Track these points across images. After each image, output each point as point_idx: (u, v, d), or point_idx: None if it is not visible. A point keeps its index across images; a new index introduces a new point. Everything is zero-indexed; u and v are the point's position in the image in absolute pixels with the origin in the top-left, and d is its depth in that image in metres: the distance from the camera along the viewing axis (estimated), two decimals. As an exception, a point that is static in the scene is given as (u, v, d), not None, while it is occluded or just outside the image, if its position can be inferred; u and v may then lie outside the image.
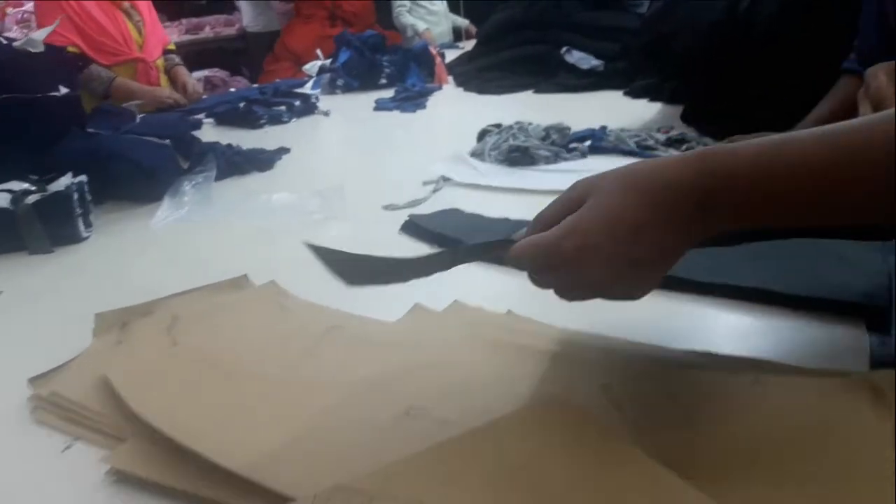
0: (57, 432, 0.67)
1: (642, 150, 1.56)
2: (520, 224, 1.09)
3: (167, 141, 1.40)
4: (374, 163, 1.70)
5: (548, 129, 1.56)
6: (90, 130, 1.43)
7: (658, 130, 1.67)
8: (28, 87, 1.34)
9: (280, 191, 1.37)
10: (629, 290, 0.52)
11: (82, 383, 0.71)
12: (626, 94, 2.24)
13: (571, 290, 0.54)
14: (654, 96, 2.13)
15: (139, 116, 1.82)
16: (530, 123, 1.59)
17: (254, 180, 1.55)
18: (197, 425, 0.60)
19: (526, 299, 0.76)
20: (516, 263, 0.56)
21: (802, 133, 0.47)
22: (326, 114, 2.26)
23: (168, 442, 0.59)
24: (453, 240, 1.05)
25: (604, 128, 1.65)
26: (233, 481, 0.55)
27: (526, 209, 1.16)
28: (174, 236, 1.22)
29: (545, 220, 0.54)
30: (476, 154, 1.51)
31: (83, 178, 1.22)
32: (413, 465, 0.52)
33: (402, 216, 1.20)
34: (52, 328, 0.89)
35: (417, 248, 1.09)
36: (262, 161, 1.60)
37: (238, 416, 0.63)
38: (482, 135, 1.61)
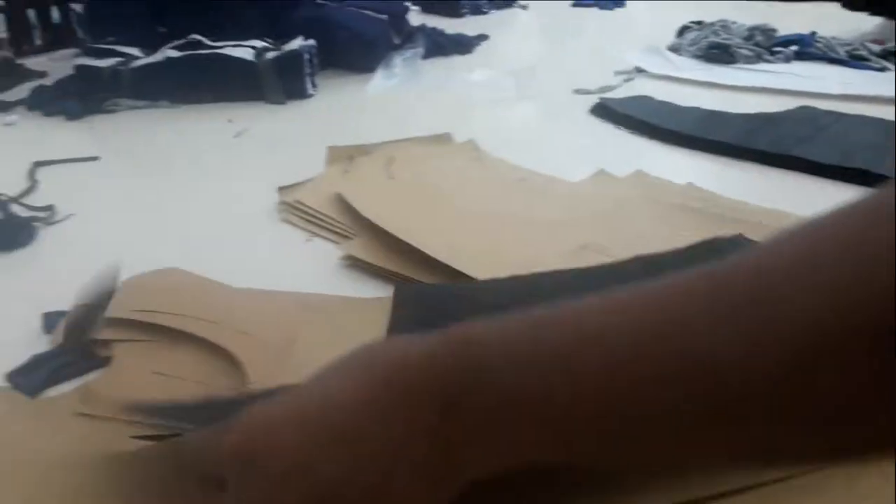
0: (299, 230, 0.83)
1: (853, 59, 1.49)
2: (715, 119, 1.12)
3: (384, 16, 1.53)
4: (568, 52, 1.75)
5: (752, 30, 1.53)
6: (317, 1, 1.59)
7: (873, 41, 1.58)
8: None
9: (474, 71, 1.47)
10: None
11: (319, 196, 0.87)
12: (844, 5, 2.09)
13: None
14: (875, 10, 1.98)
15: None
16: (734, 22, 1.56)
17: (454, 61, 1.65)
18: (412, 228, 0.73)
19: (707, 177, 0.82)
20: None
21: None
22: (524, 7, 2.31)
23: (389, 238, 0.72)
24: (642, 122, 1.11)
25: (813, 34, 1.59)
26: (438, 268, 0.67)
27: (719, 104, 1.19)
28: (386, 101, 1.37)
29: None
30: (673, 48, 1.51)
31: (312, 41, 1.39)
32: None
33: (591, 100, 1.27)
34: (289, 157, 1.07)
35: (606, 129, 1.15)
36: (463, 44, 1.70)
37: (442, 227, 0.75)
38: (682, 31, 1.61)
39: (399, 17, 1.61)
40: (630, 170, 0.93)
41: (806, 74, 1.40)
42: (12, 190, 0.96)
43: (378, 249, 0.73)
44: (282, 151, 1.11)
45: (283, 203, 0.88)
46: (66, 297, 0.68)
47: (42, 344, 0.62)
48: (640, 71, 1.43)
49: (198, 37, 1.37)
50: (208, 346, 0.57)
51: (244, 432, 0.27)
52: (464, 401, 0.25)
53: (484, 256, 0.69)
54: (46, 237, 0.84)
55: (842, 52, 1.50)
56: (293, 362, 0.53)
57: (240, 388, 0.51)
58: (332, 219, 0.82)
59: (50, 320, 0.65)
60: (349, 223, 0.80)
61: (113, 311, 0.62)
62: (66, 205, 0.91)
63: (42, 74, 1.64)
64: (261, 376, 0.51)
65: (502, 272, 0.65)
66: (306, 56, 1.34)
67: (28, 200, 0.94)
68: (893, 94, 1.18)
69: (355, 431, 0.26)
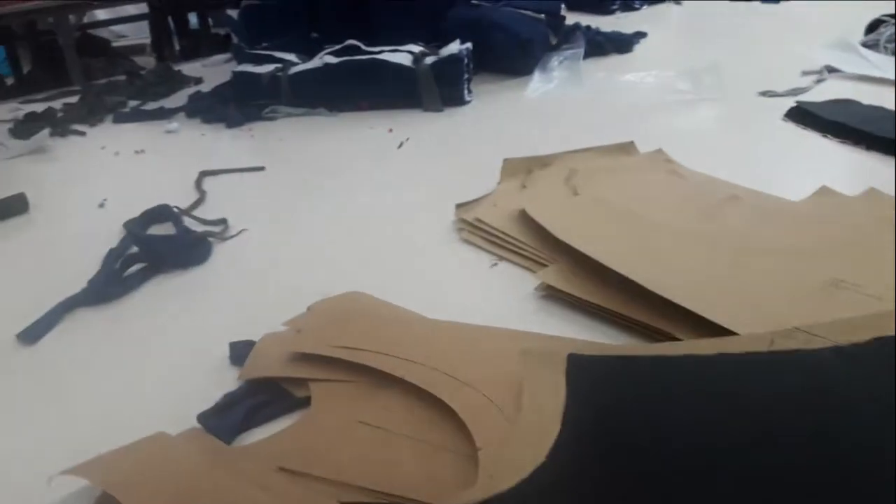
0: (483, 252, 0.76)
1: None
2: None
3: (542, 16, 1.45)
4: (742, 50, 1.60)
5: (965, 22, 1.34)
6: (473, 2, 1.52)
7: None
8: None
9: (640, 72, 1.36)
10: None
11: (500, 214, 0.80)
12: None
13: None
14: None
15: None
16: (943, 13, 1.37)
17: (614, 61, 1.55)
18: (615, 253, 0.64)
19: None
20: None
21: None
22: (678, 2, 2.16)
23: (592, 265, 0.64)
24: (853, 129, 0.97)
25: None
26: (652, 301, 0.58)
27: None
28: (547, 106, 1.28)
29: None
30: (868, 45, 1.34)
31: (469, 45, 1.32)
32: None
33: (781, 103, 1.13)
34: (455, 169, 1.01)
35: (805, 135, 1.02)
36: (622, 42, 1.59)
37: (651, 253, 0.66)
38: (874, 25, 1.43)
39: (556, 16, 1.52)
40: (847, 184, 0.80)
41: None
42: (181, 200, 0.95)
43: (578, 278, 0.65)
44: (446, 162, 1.05)
45: (463, 221, 0.81)
46: (248, 324, 0.64)
47: (229, 376, 0.58)
48: (831, 70, 1.28)
49: (355, 42, 1.33)
50: (418, 392, 0.50)
51: None
52: None
53: (711, 290, 0.59)
54: (221, 253, 0.82)
55: None
56: (522, 424, 0.45)
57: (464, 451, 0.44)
58: (519, 241, 0.74)
59: (237, 351, 0.60)
60: (538, 245, 0.73)
61: (307, 344, 0.57)
62: (237, 218, 0.89)
63: (198, 81, 1.67)
64: (485, 440, 0.44)
65: (742, 311, 0.55)
66: (465, 59, 1.28)
67: (198, 212, 0.92)
68: None
69: None
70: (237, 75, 1.35)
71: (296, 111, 1.31)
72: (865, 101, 1.10)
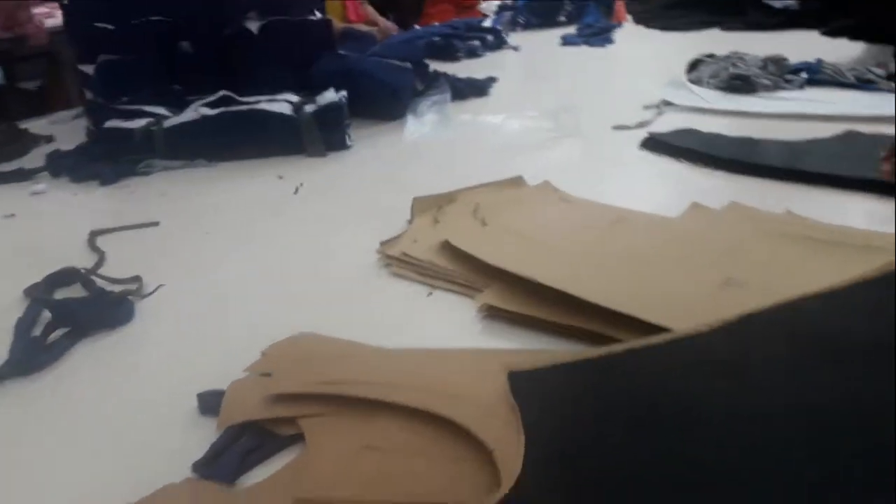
0: (415, 283, 0.80)
1: (862, 83, 1.55)
2: (761, 145, 1.15)
3: (408, 64, 1.53)
4: (585, 89, 1.77)
5: (765, 60, 1.58)
6: (340, 52, 1.58)
7: (876, 65, 1.64)
8: (291, 11, 1.50)
9: (500, 113, 1.48)
10: None
11: (422, 248, 0.85)
12: (825, 33, 2.18)
13: None
14: (854, 35, 2.07)
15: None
16: (746, 54, 1.61)
17: (474, 104, 1.66)
18: (542, 271, 0.71)
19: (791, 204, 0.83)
20: None
21: None
22: (516, 48, 2.34)
23: (522, 285, 0.71)
24: (701, 154, 1.12)
25: (819, 60, 1.64)
26: (588, 311, 0.65)
27: (752, 132, 1.22)
28: (425, 148, 1.35)
29: None
30: (694, 81, 1.55)
31: (344, 93, 1.37)
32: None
33: (633, 135, 1.28)
34: (358, 210, 1.05)
35: (661, 161, 1.16)
36: (479, 87, 1.71)
37: (570, 268, 0.74)
38: (695, 64, 1.65)
39: (420, 63, 1.61)
40: (708, 200, 0.93)
41: (825, 99, 1.45)
42: (76, 262, 0.90)
43: (514, 297, 0.71)
44: (346, 205, 1.09)
45: (389, 257, 0.85)
46: (200, 376, 0.64)
47: (204, 426, 0.58)
48: (667, 104, 1.46)
49: (228, 93, 1.34)
50: (410, 414, 0.53)
51: None
52: None
53: (637, 295, 0.67)
54: (144, 311, 0.80)
55: (850, 77, 1.56)
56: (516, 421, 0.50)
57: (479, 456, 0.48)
58: (449, 270, 0.80)
59: (206, 401, 0.60)
60: (467, 272, 0.78)
61: (284, 385, 0.59)
62: (148, 275, 0.86)
63: (49, 139, 1.58)
64: (494, 442, 0.48)
65: (663, 311, 0.64)
66: (344, 107, 1.33)
67: (104, 273, 0.89)
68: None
69: None
70: (107, 131, 1.31)
71: (173, 164, 1.29)
72: (703, 129, 1.27)
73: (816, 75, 1.59)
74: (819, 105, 1.39)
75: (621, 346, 0.58)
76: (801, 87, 1.56)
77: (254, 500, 0.48)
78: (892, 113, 1.30)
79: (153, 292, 0.83)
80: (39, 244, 1.03)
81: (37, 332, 0.75)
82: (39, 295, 0.81)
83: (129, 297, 0.81)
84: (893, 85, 1.53)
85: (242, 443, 0.55)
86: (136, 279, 0.85)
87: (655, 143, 1.22)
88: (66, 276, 0.85)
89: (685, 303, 0.67)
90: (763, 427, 0.46)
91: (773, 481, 0.41)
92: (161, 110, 1.34)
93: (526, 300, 0.71)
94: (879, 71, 1.59)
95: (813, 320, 0.58)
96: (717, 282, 0.70)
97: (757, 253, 0.78)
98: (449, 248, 0.82)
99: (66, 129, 1.65)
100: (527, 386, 0.53)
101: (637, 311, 0.64)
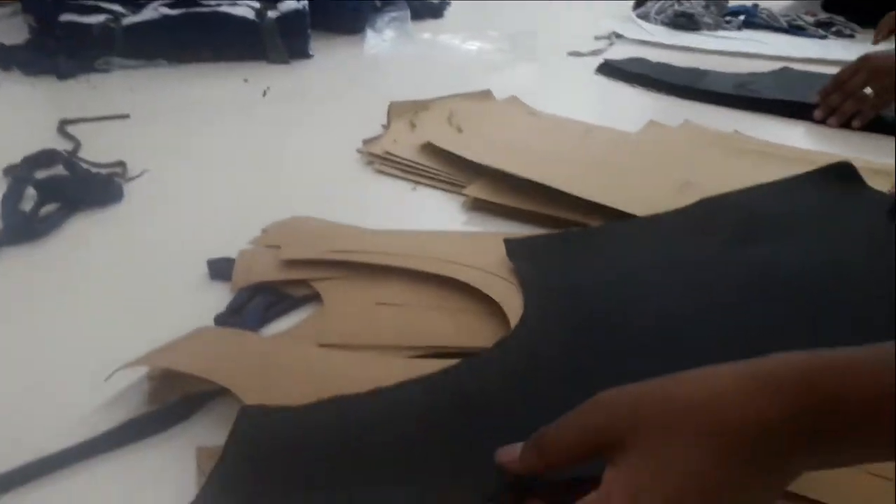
0: (399, 180, 0.85)
1: (793, 28, 1.66)
2: (708, 75, 1.24)
3: (368, -22, 1.53)
4: (538, 18, 1.81)
5: (707, 1, 1.66)
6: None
7: (805, 13, 1.76)
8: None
9: (458, 34, 1.51)
10: None
11: (403, 148, 0.89)
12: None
13: None
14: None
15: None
16: (690, -6, 1.69)
17: (432, 25, 1.69)
18: (524, 167, 0.77)
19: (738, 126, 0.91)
20: None
21: None
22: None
23: (506, 180, 0.76)
24: (653, 79, 1.20)
25: (756, 5, 1.74)
26: (569, 204, 0.72)
27: (695, 64, 1.30)
28: (386, 62, 1.38)
29: (558, 447, 0.33)
30: (641, 16, 1.62)
31: (305, 1, 1.37)
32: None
33: (587, 62, 1.35)
34: (328, 116, 1.07)
35: (617, 85, 1.23)
36: (434, 9, 1.74)
37: (548, 167, 0.80)
38: (640, 1, 1.72)
39: (380, -21, 1.61)
40: (662, 119, 1.00)
41: (761, 41, 1.55)
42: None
43: (499, 190, 0.77)
44: (317, 110, 1.11)
45: (372, 155, 0.89)
46: (203, 248, 0.66)
47: (218, 289, 0.62)
48: (618, 36, 1.52)
49: (187, -7, 1.32)
50: (418, 278, 0.59)
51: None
52: (825, 424, 0.29)
53: (609, 190, 0.74)
54: (133, 192, 0.81)
55: (783, 22, 1.67)
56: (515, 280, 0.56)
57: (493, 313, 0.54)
58: (432, 167, 0.84)
59: (216, 267, 0.64)
60: (450, 170, 0.83)
61: (295, 251, 0.63)
62: (128, 162, 0.87)
63: (-13, 33, 1.51)
64: (502, 297, 0.55)
65: (632, 204, 0.70)
66: (307, 15, 1.33)
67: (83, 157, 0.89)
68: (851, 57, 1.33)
69: (730, 490, 0.30)
70: (63, 25, 1.27)
71: (133, 63, 1.27)
72: (652, 59, 1.34)
73: (753, 18, 1.69)
74: (757, 45, 1.49)
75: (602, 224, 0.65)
76: (738, 28, 1.65)
77: (280, 346, 0.53)
78: (821, 55, 1.41)
79: (139, 176, 0.84)
80: (6, 131, 1.01)
81: (25, 208, 0.75)
82: (20, 174, 0.81)
83: (116, 179, 0.82)
84: (820, 31, 1.65)
85: (261, 299, 0.59)
86: (120, 163, 0.86)
87: (611, 69, 1.29)
88: (45, 158, 0.85)
89: (650, 200, 0.74)
90: (714, 279, 0.56)
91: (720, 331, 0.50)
92: (117, 7, 1.31)
93: (509, 194, 0.76)
94: (809, 18, 1.71)
95: (753, 203, 0.68)
96: (676, 184, 0.78)
97: (710, 162, 0.86)
98: (430, 149, 0.87)
99: (2, 27, 1.58)
100: (521, 250, 0.60)
101: (611, 202, 0.71)
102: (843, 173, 0.73)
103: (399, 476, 0.39)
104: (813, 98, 1.06)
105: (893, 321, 0.49)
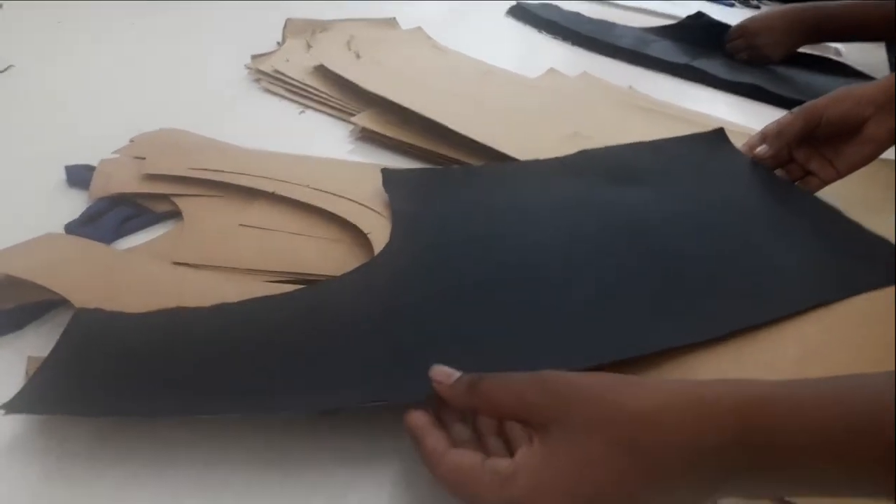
0: (287, 101, 0.82)
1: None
2: (616, 28, 1.24)
3: None
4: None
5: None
6: None
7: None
8: None
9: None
10: None
11: (294, 68, 0.86)
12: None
13: None
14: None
15: None
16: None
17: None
18: (416, 101, 0.76)
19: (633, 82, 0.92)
20: (418, 447, 0.34)
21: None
22: None
23: (396, 112, 0.75)
24: (562, 27, 1.20)
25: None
26: (453, 142, 0.71)
27: (605, 17, 1.31)
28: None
29: (489, 399, 0.33)
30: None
31: None
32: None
33: (500, 4, 1.33)
34: (208, 31, 1.02)
35: (525, 30, 1.22)
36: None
37: (441, 105, 0.79)
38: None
39: None
40: (563, 68, 1.01)
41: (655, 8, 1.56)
42: None
43: (388, 122, 0.75)
44: (207, 20, 1.05)
45: (260, 72, 0.85)
46: (62, 155, 0.62)
47: (74, 196, 0.58)
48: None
49: None
50: (290, 204, 0.57)
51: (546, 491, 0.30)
52: (761, 447, 0.29)
53: (498, 133, 0.74)
54: (-3, 86, 0.75)
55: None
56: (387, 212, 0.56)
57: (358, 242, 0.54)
58: (323, 91, 0.82)
59: (74, 174, 0.60)
60: (340, 96, 0.81)
61: (159, 165, 0.60)
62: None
63: None
64: (370, 228, 0.54)
65: (517, 147, 0.71)
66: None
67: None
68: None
69: None
70: None
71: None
72: (564, 7, 1.34)
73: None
74: (667, 5, 1.50)
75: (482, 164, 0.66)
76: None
77: (130, 261, 0.50)
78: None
79: (5, 70, 0.78)
80: None
81: None
82: None
83: (-27, 71, 0.75)
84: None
85: (117, 211, 0.56)
86: (-20, 56, 0.79)
87: (522, 12, 1.27)
88: None
89: (536, 147, 0.74)
90: (580, 218, 0.58)
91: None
92: None
93: (398, 126, 0.75)
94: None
95: (629, 156, 0.70)
96: (565, 134, 0.79)
97: (602, 115, 0.87)
98: (323, 72, 0.84)
99: None
100: (397, 180, 0.59)
101: (497, 144, 0.71)
102: (717, 138, 0.75)
103: (234, 375, 0.39)
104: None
105: (741, 274, 0.52)
